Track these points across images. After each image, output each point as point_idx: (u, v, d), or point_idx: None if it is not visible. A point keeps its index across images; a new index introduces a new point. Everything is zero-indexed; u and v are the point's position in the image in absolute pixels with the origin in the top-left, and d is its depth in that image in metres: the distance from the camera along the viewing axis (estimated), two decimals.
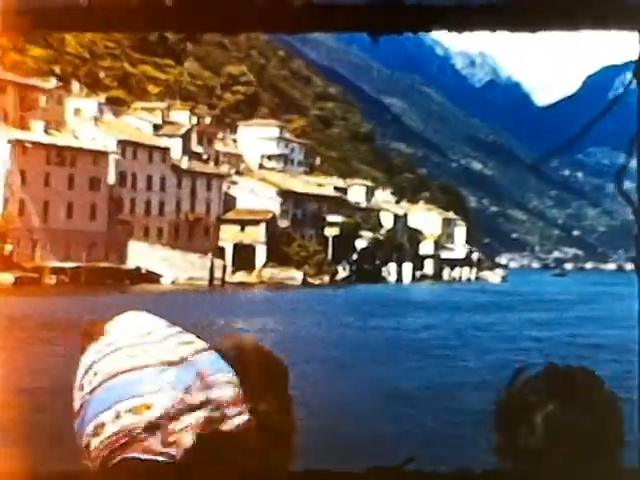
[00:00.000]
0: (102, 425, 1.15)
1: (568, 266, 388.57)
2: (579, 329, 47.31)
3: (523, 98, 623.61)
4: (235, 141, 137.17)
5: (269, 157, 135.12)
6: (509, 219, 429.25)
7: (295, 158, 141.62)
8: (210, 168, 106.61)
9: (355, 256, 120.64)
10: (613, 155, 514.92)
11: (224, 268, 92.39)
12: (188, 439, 1.11)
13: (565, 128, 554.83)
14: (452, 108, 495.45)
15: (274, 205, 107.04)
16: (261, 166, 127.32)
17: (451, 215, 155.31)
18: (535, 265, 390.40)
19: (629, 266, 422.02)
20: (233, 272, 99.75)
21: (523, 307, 67.72)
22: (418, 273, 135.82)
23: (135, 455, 1.12)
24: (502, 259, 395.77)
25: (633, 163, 1.42)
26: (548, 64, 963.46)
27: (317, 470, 1.21)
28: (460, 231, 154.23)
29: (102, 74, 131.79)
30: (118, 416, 1.15)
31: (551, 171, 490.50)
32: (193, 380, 1.15)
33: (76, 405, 1.20)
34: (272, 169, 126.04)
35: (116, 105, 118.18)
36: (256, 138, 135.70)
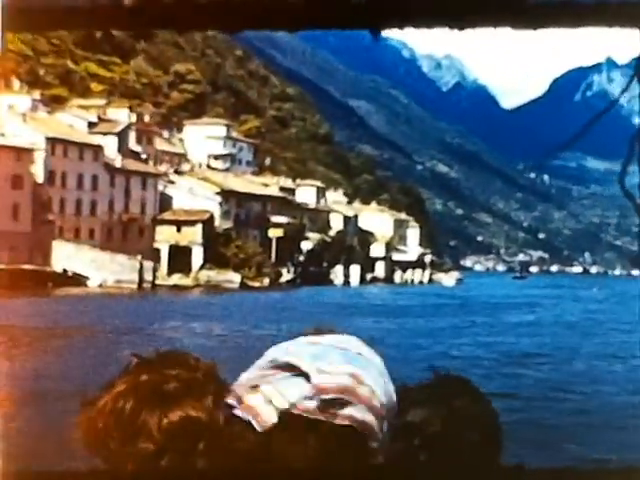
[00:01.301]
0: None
1: (534, 269, 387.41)
2: (499, 336, 44.11)
3: (489, 101, 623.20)
4: (182, 140, 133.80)
5: (216, 157, 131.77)
6: (475, 222, 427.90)
7: (243, 158, 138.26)
8: (145, 167, 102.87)
9: (301, 258, 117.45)
10: (579, 158, 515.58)
11: (154, 270, 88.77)
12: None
13: (531, 131, 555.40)
14: (418, 111, 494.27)
15: (213, 205, 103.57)
16: (208, 166, 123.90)
17: (403, 216, 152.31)
18: (500, 268, 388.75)
19: (594, 269, 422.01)
20: (169, 274, 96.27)
21: (456, 311, 64.63)
22: (369, 275, 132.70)
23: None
24: (467, 262, 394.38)
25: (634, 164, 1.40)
26: (514, 67, 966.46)
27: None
28: (413, 233, 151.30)
29: (42, 71, 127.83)
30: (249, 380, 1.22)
31: (517, 174, 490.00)
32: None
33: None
34: (217, 169, 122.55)
35: (56, 103, 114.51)
36: (203, 137, 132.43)
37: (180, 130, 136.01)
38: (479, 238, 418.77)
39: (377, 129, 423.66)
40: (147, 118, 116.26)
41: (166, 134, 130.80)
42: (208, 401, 1.26)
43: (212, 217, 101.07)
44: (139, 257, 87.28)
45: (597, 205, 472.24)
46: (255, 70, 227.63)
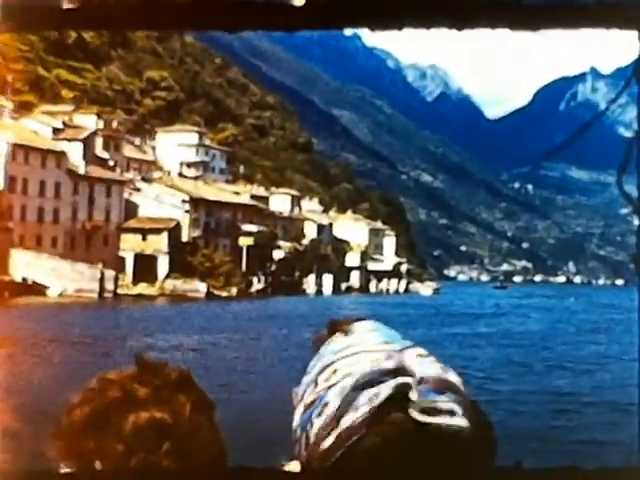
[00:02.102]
0: (327, 405, 1.19)
1: (517, 279, 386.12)
2: (444, 349, 42.12)
3: (474, 111, 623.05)
4: (154, 148, 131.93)
5: (188, 164, 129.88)
6: (458, 232, 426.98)
7: (216, 166, 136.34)
8: (110, 174, 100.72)
9: (273, 267, 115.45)
10: (563, 168, 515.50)
11: (116, 279, 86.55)
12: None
13: (516, 141, 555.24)
14: (403, 120, 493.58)
15: (181, 213, 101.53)
16: (180, 174, 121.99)
17: (379, 225, 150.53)
18: (484, 278, 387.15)
19: (578, 279, 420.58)
20: (134, 283, 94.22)
21: (418, 322, 62.63)
22: (344, 285, 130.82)
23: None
24: (451, 271, 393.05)
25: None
26: (499, 76, 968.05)
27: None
28: (390, 242, 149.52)
29: (10, 77, 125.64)
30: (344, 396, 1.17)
31: (501, 184, 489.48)
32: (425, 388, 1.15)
33: (307, 399, 1.23)
34: (188, 177, 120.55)
35: (25, 109, 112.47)
36: (175, 145, 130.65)
37: (152, 137, 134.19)
38: (463, 248, 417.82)
39: (361, 139, 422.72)
40: (115, 124, 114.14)
41: (138, 141, 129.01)
42: (177, 404, 1.30)
43: (178, 225, 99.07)
44: (100, 265, 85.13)
45: (581, 215, 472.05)
46: (234, 78, 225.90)
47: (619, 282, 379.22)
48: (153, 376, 1.32)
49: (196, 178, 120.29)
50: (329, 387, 1.20)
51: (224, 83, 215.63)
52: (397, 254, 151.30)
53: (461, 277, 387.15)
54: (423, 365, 1.16)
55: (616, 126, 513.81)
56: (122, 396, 1.29)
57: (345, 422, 1.16)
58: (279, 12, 1.20)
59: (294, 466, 1.28)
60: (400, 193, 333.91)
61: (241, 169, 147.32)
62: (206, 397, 1.38)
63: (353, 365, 1.20)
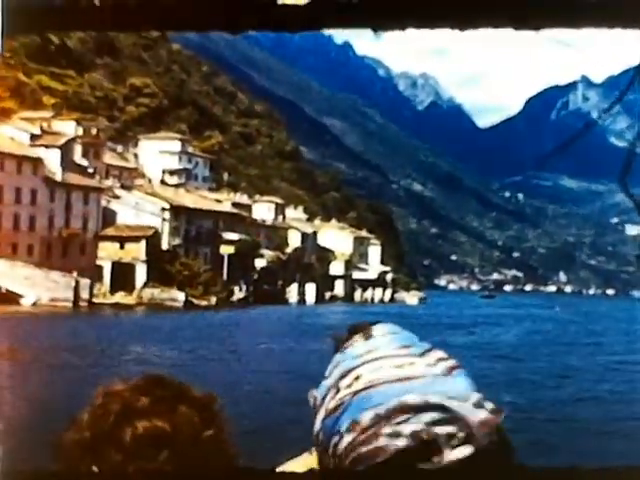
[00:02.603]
0: (358, 424, 1.18)
1: (508, 288, 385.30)
2: None
3: (465, 120, 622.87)
4: (136, 155, 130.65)
5: (170, 172, 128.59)
6: (449, 241, 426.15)
7: (199, 173, 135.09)
8: (87, 181, 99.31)
9: (256, 276, 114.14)
10: (555, 177, 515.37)
11: (91, 287, 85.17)
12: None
13: (507, 150, 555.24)
14: (394, 129, 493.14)
15: (160, 221, 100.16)
16: (162, 181, 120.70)
17: (364, 234, 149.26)
18: (475, 287, 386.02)
19: (568, 288, 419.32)
20: (112, 292, 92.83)
21: None
22: (328, 294, 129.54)
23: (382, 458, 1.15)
24: (441, 281, 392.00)
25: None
26: (490, 85, 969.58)
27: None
28: (375, 251, 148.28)
29: None
30: (377, 418, 1.17)
31: (491, 193, 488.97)
32: (457, 394, 1.17)
33: (329, 404, 1.24)
34: (169, 184, 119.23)
35: (5, 116, 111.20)
36: (158, 152, 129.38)
37: (135, 144, 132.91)
38: (453, 257, 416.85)
39: (352, 147, 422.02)
40: (94, 131, 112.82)
41: (120, 148, 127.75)
42: (178, 415, 1.30)
43: (157, 233, 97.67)
44: (74, 274, 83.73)
45: (572, 224, 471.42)
46: (222, 86, 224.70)
47: (610, 292, 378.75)
48: (156, 387, 1.33)
49: (178, 186, 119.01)
50: (353, 394, 1.20)
51: (211, 91, 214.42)
52: (386, 263, 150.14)
53: (451, 286, 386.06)
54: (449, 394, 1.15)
55: (607, 136, 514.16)
56: (124, 407, 1.29)
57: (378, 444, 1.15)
58: (279, 12, 1.19)
59: (304, 460, 1.32)
60: (390, 202, 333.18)
61: (225, 177, 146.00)
62: (216, 411, 1.37)
63: (376, 371, 1.20)
